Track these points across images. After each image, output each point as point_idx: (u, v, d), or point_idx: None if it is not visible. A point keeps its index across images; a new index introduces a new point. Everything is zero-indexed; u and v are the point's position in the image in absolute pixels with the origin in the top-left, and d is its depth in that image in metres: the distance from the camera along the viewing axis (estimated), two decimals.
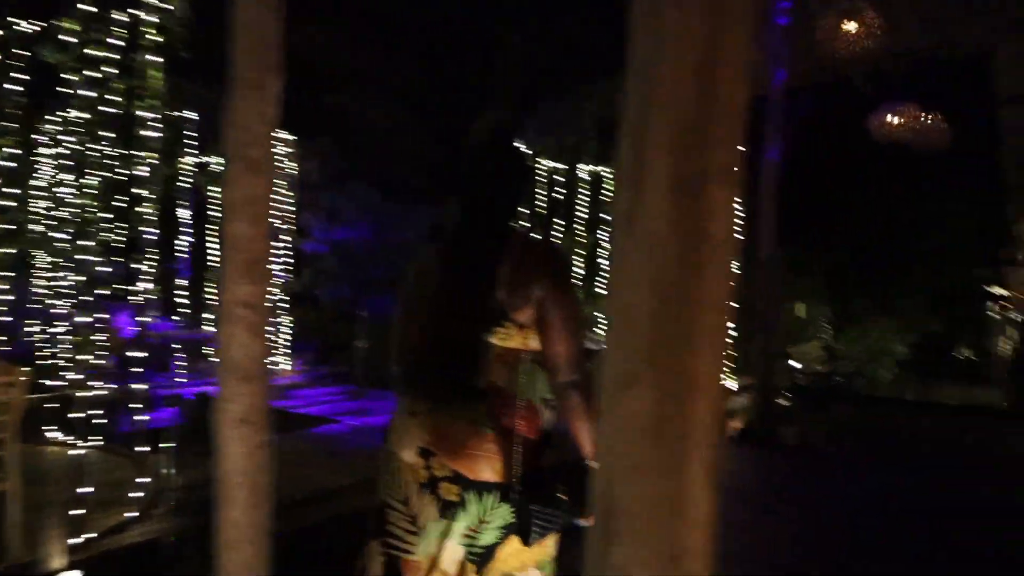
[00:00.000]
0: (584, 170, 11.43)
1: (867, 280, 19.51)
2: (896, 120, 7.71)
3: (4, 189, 6.45)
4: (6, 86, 6.33)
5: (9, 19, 6.18)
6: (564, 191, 11.46)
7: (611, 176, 9.77)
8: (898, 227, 22.48)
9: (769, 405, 8.14)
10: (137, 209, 5.58)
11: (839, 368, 16.77)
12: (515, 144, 2.15)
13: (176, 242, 9.19)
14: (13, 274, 6.73)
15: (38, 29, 6.15)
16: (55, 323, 6.27)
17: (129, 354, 4.99)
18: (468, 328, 1.96)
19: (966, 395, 12.43)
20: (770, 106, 7.71)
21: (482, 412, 1.93)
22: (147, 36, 5.30)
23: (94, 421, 4.87)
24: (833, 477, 6.72)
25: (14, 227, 6.56)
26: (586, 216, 11.39)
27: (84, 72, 5.68)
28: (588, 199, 11.46)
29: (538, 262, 1.97)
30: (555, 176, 11.49)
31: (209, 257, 9.04)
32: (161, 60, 5.32)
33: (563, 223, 11.35)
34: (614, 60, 1.53)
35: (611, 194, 11.01)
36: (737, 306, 9.51)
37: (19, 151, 6.55)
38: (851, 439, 8.47)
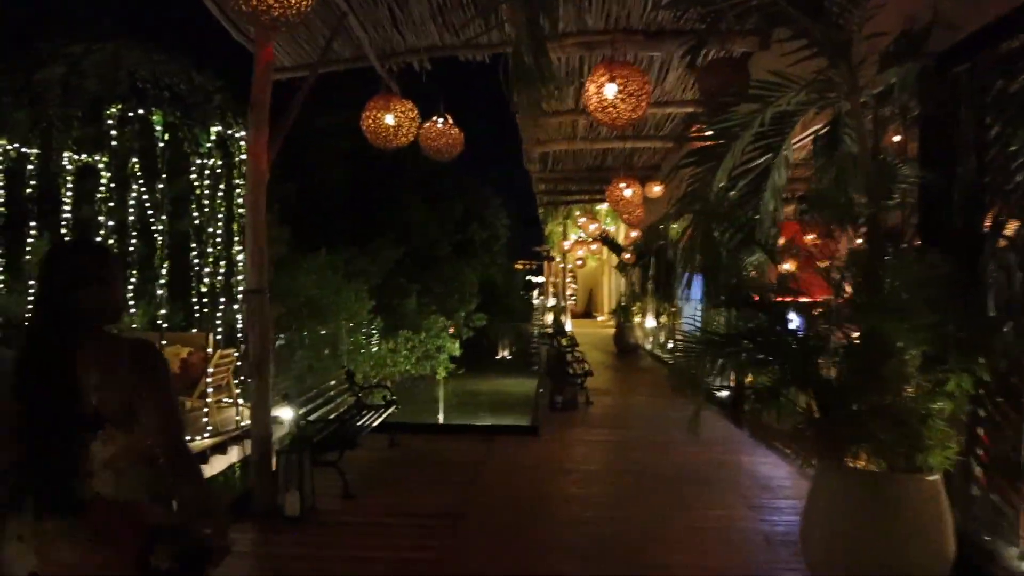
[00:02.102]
0: None
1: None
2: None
3: None
4: None
5: None
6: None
7: None
8: (435, 228, 23.50)
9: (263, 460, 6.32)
10: None
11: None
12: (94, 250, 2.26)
13: None
14: None
15: None
16: None
17: None
18: (60, 440, 1.96)
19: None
20: None
21: (88, 527, 1.95)
22: None
23: None
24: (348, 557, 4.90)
25: None
26: None
27: None
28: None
29: (128, 362, 2.05)
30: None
31: None
32: None
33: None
34: None
35: None
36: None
37: None
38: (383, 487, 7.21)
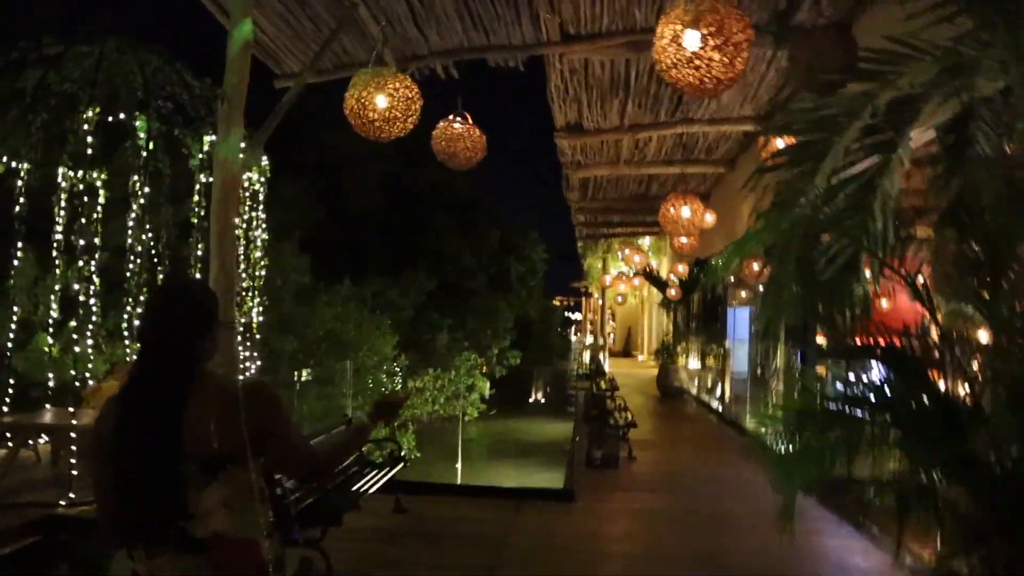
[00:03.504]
0: None
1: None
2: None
3: None
4: None
5: None
6: None
7: None
8: (470, 256, 22.59)
9: None
10: None
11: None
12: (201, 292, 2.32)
13: None
14: None
15: None
16: None
17: None
18: (176, 482, 1.98)
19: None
20: None
21: (211, 565, 1.98)
22: None
23: None
24: None
25: None
26: None
27: None
28: None
29: (246, 402, 2.07)
30: None
31: None
32: None
33: None
34: None
35: None
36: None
37: None
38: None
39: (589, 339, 32.91)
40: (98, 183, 8.57)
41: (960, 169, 3.49)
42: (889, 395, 2.82)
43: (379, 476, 6.15)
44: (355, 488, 5.81)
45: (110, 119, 6.69)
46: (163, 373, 2.08)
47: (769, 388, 10.79)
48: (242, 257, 8.64)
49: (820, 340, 8.85)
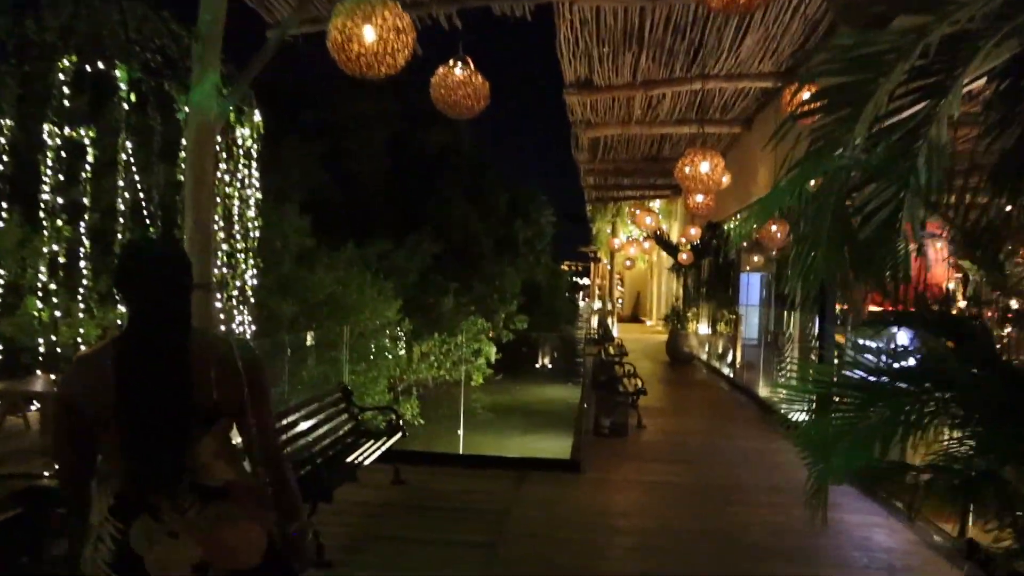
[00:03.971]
0: None
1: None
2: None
3: None
4: None
5: None
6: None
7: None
8: (478, 220, 22.25)
9: None
10: None
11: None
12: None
13: None
14: None
15: None
16: None
17: None
18: (184, 435, 2.02)
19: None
20: None
21: (239, 509, 2.05)
22: None
23: None
24: None
25: None
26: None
27: None
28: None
29: (240, 359, 2.14)
30: None
31: None
32: None
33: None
34: None
35: None
36: None
37: None
38: (373, 548, 4.91)
39: (597, 304, 32.58)
40: (86, 140, 8.22)
41: (1015, 119, 3.10)
42: (947, 368, 2.46)
43: (377, 446, 5.87)
44: (351, 459, 5.52)
45: (89, 69, 6.27)
46: (165, 330, 2.08)
47: (784, 355, 10.44)
48: (237, 217, 8.30)
49: (838, 306, 8.49)
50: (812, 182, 3.19)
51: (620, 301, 35.97)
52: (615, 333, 22.35)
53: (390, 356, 14.27)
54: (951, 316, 2.58)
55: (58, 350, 8.15)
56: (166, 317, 2.09)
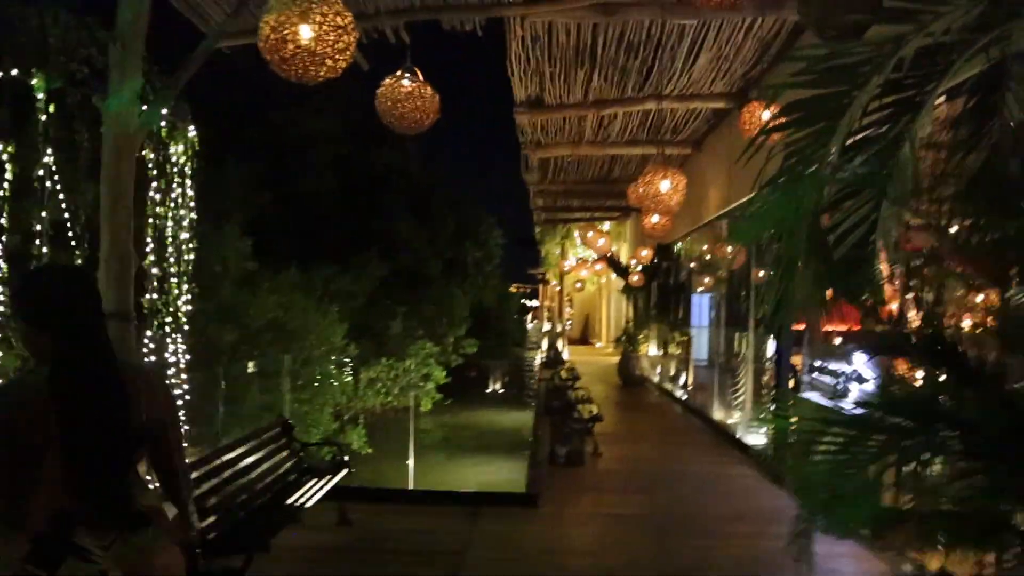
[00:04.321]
0: None
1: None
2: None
3: None
4: None
5: None
6: None
7: None
8: (426, 241, 21.99)
9: None
10: None
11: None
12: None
13: None
14: None
15: None
16: None
17: None
18: (122, 458, 2.03)
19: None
20: None
21: (162, 534, 2.10)
22: None
23: None
24: None
25: None
26: None
27: None
28: None
29: (158, 385, 2.23)
30: None
31: None
32: None
33: None
34: None
35: None
36: None
37: None
38: None
39: (547, 326, 32.44)
40: (3, 156, 7.68)
41: (985, 136, 2.95)
42: (940, 401, 2.25)
43: (321, 485, 5.47)
44: (292, 500, 5.12)
45: (1, 75, 5.78)
46: (98, 357, 2.05)
47: (737, 377, 10.33)
48: (170, 240, 7.82)
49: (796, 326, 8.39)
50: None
51: (569, 323, 35.88)
52: (565, 355, 22.16)
53: (335, 383, 13.76)
54: (944, 340, 2.38)
55: None
56: (95, 344, 2.06)
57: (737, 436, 9.67)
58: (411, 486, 10.97)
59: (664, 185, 6.70)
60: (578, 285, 30.39)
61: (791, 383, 8.02)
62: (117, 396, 2.02)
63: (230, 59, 6.67)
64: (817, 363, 7.66)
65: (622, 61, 8.09)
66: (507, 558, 5.31)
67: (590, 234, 18.07)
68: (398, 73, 4.45)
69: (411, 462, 12.43)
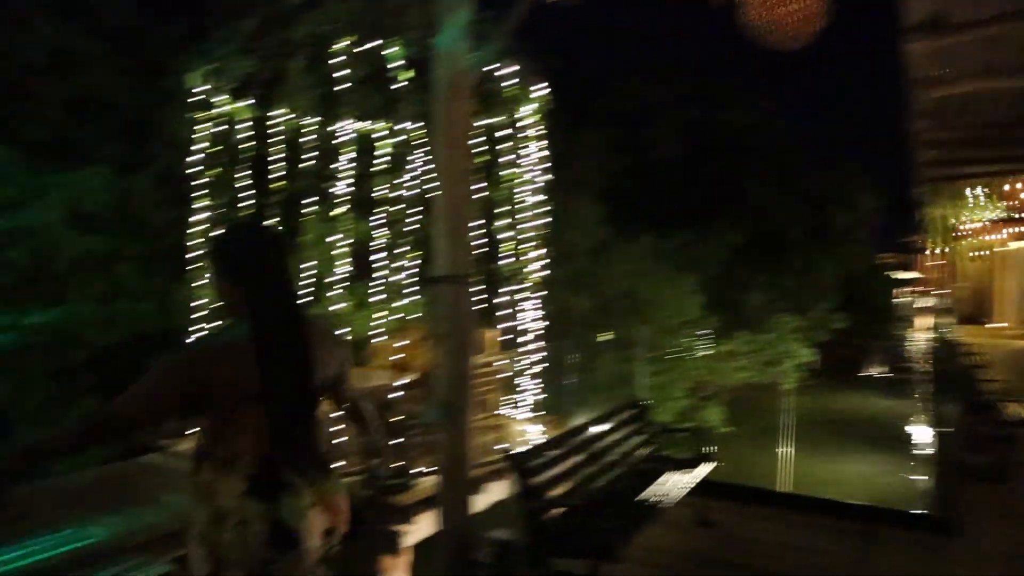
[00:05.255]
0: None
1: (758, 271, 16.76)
2: None
3: None
4: None
5: None
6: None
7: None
8: (789, 207, 20.12)
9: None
10: None
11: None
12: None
13: None
14: None
15: None
16: None
17: None
18: (311, 410, 2.18)
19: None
20: None
21: (338, 474, 2.35)
22: None
23: None
24: None
25: None
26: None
27: None
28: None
29: (339, 343, 2.35)
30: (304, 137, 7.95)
31: None
32: None
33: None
34: None
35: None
36: None
37: None
38: None
39: (929, 301, 28.16)
40: (381, 133, 8.18)
41: None
42: None
43: (682, 478, 4.74)
44: (648, 494, 4.46)
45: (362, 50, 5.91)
46: (296, 312, 2.17)
47: None
48: (521, 203, 7.68)
49: None
50: None
51: (955, 299, 30.77)
52: (954, 335, 18.79)
53: (690, 357, 13.00)
54: None
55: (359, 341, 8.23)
56: (286, 298, 2.16)
57: None
58: (778, 481, 9.77)
59: None
60: (973, 255, 25.73)
61: None
62: (307, 351, 2.12)
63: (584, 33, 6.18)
64: None
65: None
66: None
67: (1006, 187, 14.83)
68: None
69: (783, 450, 11.15)
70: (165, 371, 2.00)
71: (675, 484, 4.66)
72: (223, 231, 2.45)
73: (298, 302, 2.19)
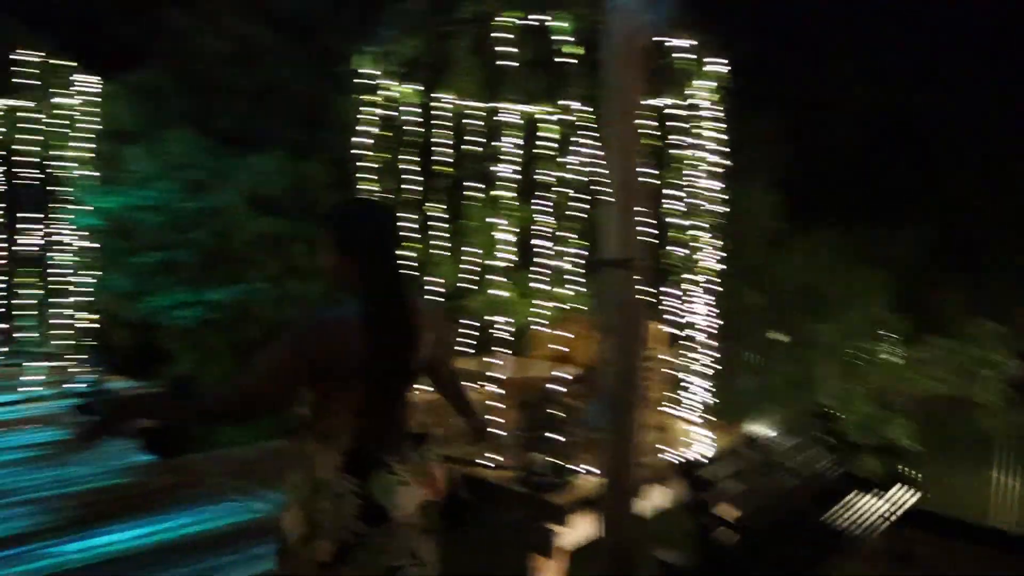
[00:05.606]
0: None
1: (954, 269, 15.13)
2: None
3: None
4: None
5: None
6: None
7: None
8: (991, 199, 18.35)
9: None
10: None
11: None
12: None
13: None
14: None
15: None
16: None
17: None
18: (406, 390, 2.29)
19: None
20: None
21: (431, 449, 2.37)
22: None
23: None
24: None
25: None
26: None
27: None
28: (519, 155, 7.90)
29: (444, 324, 2.57)
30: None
31: None
32: None
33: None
34: None
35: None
36: None
37: None
38: None
39: None
40: (550, 116, 7.93)
41: None
42: None
43: (877, 503, 4.13)
44: (830, 519, 3.90)
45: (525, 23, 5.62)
46: (404, 292, 2.23)
47: None
48: (694, 190, 7.14)
49: None
50: None
51: None
52: None
53: (876, 361, 11.82)
54: None
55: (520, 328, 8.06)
56: (395, 276, 2.20)
57: None
58: (991, 515, 8.46)
59: None
60: None
61: None
62: (413, 331, 2.17)
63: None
64: None
65: None
66: None
67: None
68: None
69: (995, 476, 9.71)
70: (293, 340, 2.04)
71: (867, 508, 4.06)
72: (342, 205, 2.44)
73: (404, 281, 2.24)
